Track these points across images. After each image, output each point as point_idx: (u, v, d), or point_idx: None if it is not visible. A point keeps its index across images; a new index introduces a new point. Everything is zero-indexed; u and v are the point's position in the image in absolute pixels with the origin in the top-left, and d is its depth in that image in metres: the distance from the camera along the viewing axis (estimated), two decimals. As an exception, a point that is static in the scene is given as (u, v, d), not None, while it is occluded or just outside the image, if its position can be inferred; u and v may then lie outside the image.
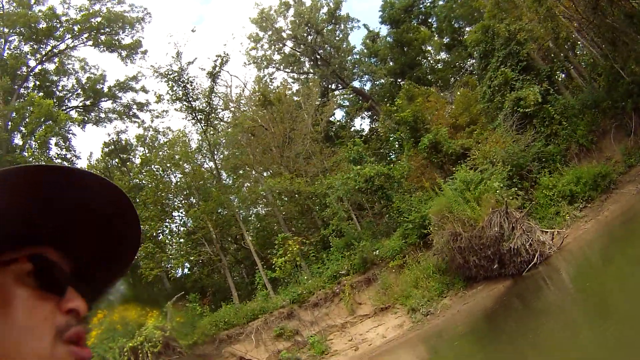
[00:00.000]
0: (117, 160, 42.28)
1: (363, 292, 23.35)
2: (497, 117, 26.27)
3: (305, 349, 21.88)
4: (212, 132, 33.08)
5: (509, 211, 19.48)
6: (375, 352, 20.30)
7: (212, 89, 31.11)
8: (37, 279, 0.78)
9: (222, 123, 36.36)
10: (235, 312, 23.47)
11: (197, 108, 30.91)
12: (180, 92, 30.44)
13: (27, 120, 34.66)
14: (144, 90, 44.81)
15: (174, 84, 30.00)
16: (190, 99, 30.59)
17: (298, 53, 49.84)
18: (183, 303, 24.40)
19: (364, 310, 22.84)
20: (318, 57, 49.18)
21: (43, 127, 33.91)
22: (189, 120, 34.06)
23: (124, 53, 43.11)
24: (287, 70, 50.57)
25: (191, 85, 30.25)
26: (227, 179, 35.36)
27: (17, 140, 36.77)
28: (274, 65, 49.51)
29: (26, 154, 35.11)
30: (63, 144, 39.04)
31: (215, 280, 33.19)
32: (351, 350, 21.33)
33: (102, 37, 42.26)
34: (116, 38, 42.78)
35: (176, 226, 32.30)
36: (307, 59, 50.64)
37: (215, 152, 31.94)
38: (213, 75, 30.05)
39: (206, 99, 31.14)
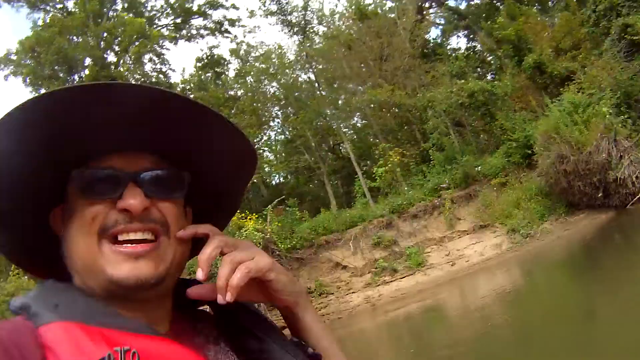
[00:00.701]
0: (210, 74, 42.78)
1: (463, 208, 22.98)
2: (604, 43, 24.32)
3: (402, 260, 21.93)
4: (309, 44, 32.73)
5: (618, 139, 18.56)
6: (472, 270, 20.02)
7: (307, 2, 30.57)
8: (84, 190, 0.87)
9: (317, 36, 35.78)
10: (334, 219, 23.70)
11: (293, 22, 30.55)
12: (275, 7, 30.07)
13: (119, 39, 35.36)
14: (235, 6, 44.49)
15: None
16: (285, 12, 30.20)
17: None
18: (282, 208, 25.01)
19: (463, 226, 22.54)
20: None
21: (137, 44, 34.56)
22: (285, 33, 33.69)
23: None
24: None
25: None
26: (324, 91, 35.14)
27: (111, 57, 37.64)
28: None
29: (122, 69, 36.17)
30: (157, 59, 39.74)
31: (312, 189, 33.71)
32: (447, 265, 21.19)
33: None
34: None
35: (275, 134, 32.79)
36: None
37: (313, 64, 31.67)
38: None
39: (302, 12, 30.69)
